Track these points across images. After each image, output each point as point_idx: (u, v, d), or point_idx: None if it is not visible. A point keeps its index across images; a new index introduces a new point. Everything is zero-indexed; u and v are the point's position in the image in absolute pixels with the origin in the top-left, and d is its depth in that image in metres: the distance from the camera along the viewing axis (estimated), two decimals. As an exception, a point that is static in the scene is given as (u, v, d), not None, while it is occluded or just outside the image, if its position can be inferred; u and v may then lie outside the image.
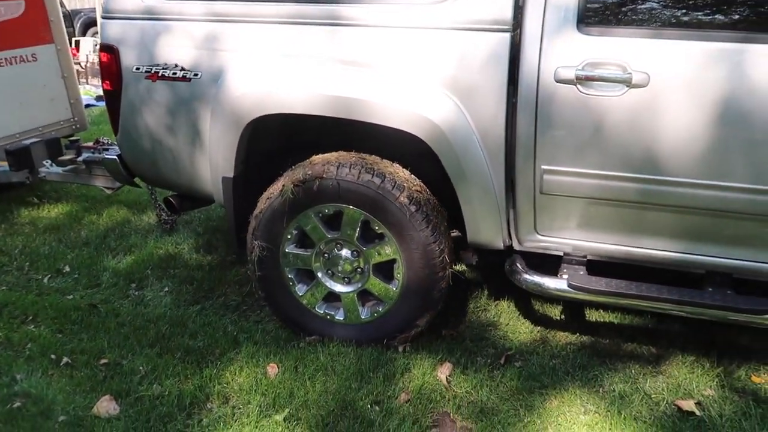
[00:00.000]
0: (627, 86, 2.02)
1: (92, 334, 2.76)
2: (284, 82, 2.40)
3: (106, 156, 3.38)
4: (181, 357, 2.56)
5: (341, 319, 2.64)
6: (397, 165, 2.45)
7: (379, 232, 2.43)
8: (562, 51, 2.08)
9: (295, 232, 2.54)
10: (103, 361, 2.55)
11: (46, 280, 3.32)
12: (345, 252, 2.53)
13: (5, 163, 4.25)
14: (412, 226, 2.35)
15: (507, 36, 2.13)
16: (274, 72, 2.42)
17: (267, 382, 2.38)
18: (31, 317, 2.91)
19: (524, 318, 2.86)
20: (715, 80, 1.96)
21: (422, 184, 2.45)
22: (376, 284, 2.53)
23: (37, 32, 4.81)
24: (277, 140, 2.76)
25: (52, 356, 2.58)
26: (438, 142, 2.24)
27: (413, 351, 2.57)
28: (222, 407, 2.28)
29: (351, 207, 2.40)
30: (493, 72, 2.15)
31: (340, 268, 2.56)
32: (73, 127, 5.02)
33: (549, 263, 2.43)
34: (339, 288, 2.59)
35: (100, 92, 9.09)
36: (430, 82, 2.24)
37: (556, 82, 2.08)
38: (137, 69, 2.70)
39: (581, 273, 2.34)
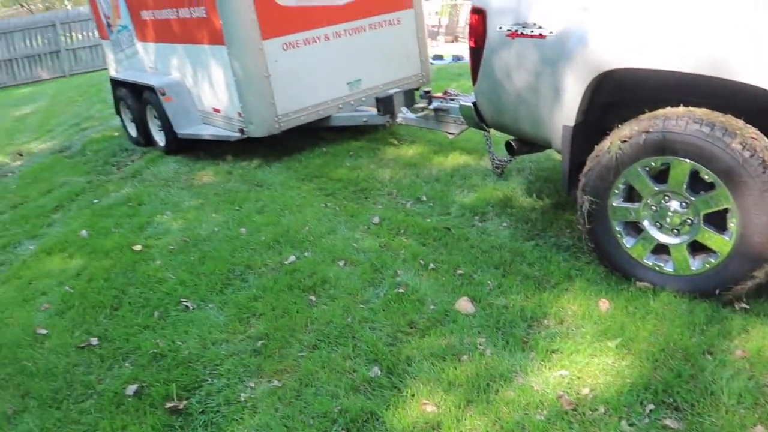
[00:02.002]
0: None
1: (448, 250, 3.40)
2: (644, 39, 2.53)
3: (462, 102, 4.01)
4: (521, 280, 3.00)
5: (671, 270, 2.70)
6: (730, 116, 2.40)
7: (710, 181, 2.42)
8: None
9: (622, 186, 2.71)
10: (459, 271, 3.15)
11: (409, 204, 4.13)
12: (673, 204, 2.59)
13: (372, 109, 5.29)
14: (747, 172, 2.30)
15: None
16: (631, 29, 2.57)
17: (599, 314, 2.66)
18: (402, 231, 3.70)
19: None
20: None
21: (758, 131, 2.36)
22: (707, 235, 2.51)
23: None
24: (619, 94, 2.89)
25: (421, 261, 3.29)
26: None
27: (752, 311, 2.54)
28: (558, 326, 2.65)
29: (678, 158, 2.45)
30: None
31: (668, 221, 2.62)
32: (421, 80, 5.92)
33: None
34: (668, 240, 2.66)
35: (434, 52, 10.21)
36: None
37: None
38: (500, 28, 3.15)
39: None
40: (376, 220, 3.87)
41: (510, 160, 4.18)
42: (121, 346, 2.91)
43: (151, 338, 2.92)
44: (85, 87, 12.17)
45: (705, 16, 2.42)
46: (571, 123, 2.88)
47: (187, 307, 3.17)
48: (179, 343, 2.86)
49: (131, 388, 2.58)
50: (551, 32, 2.91)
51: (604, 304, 2.73)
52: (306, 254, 3.52)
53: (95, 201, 5.13)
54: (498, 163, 4.23)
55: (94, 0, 7.14)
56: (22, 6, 18.80)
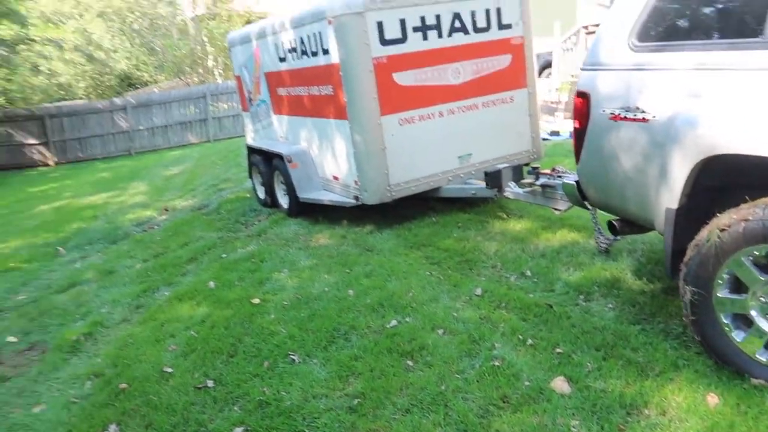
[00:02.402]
0: None
1: (549, 327, 3.38)
2: (752, 126, 2.51)
3: (566, 180, 4.07)
4: (623, 365, 2.92)
5: None
6: None
7: None
8: None
9: (726, 276, 2.60)
10: (558, 350, 3.12)
11: (512, 279, 4.16)
12: None
13: (482, 182, 5.45)
14: None
15: None
16: (739, 116, 2.57)
17: (706, 409, 2.52)
18: (503, 305, 3.74)
19: None
20: None
21: None
22: None
23: (516, 79, 5.97)
24: (724, 179, 2.84)
25: (520, 336, 3.30)
26: None
27: None
28: (659, 417, 2.54)
29: None
30: None
31: None
32: (532, 156, 6.03)
33: None
34: None
35: (551, 128, 10.26)
36: None
37: None
38: (603, 111, 3.24)
39: None
40: (479, 291, 3.94)
41: (615, 240, 4.11)
42: (233, 391, 3.18)
43: (259, 386, 3.16)
44: (225, 152, 13.51)
45: None
46: (674, 206, 2.85)
47: (293, 360, 3.40)
48: (283, 393, 3.07)
49: (238, 430, 2.80)
50: (654, 116, 2.95)
51: (712, 399, 2.58)
52: (407, 319, 3.66)
53: (224, 255, 5.66)
54: (604, 242, 4.17)
55: (239, 76, 8.07)
56: (181, 79, 21.48)
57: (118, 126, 18.29)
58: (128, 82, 24.68)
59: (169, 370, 3.49)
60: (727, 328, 2.67)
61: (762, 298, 2.55)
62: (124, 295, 5.00)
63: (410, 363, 3.18)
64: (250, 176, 7.81)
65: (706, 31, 2.99)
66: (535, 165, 5.20)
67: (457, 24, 5.49)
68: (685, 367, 2.83)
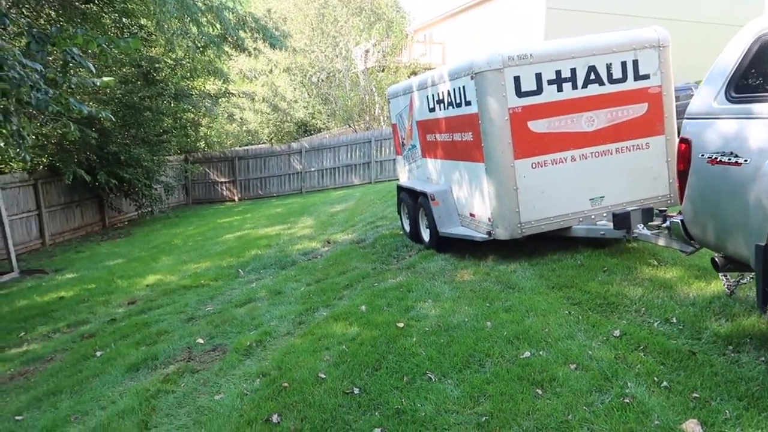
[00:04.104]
0: None
1: (688, 373, 3.31)
2: None
3: (673, 220, 4.28)
4: (765, 417, 2.80)
5: None
6: None
7: None
8: None
9: None
10: (694, 395, 3.07)
11: (656, 324, 4.09)
12: None
13: (609, 223, 5.65)
14: None
15: None
16: None
17: None
18: (642, 347, 3.72)
19: None
20: None
21: None
22: None
23: (653, 126, 6.06)
24: None
25: (655, 378, 3.28)
26: None
27: None
28: (801, 471, 2.43)
29: None
30: None
31: None
32: (668, 201, 5.94)
33: None
34: None
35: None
36: None
37: None
38: (702, 155, 3.53)
39: None
40: (617, 333, 3.95)
41: (741, 283, 4.06)
42: (375, 399, 3.56)
43: (398, 397, 3.51)
44: (384, 192, 14.42)
45: None
46: (763, 242, 3.04)
47: (430, 378, 3.70)
48: (419, 405, 3.38)
49: (377, 431, 3.16)
50: (746, 161, 3.19)
51: None
52: (541, 353, 3.80)
53: (375, 284, 6.17)
54: (729, 284, 4.12)
55: (395, 124, 8.89)
56: (349, 126, 23.35)
57: (293, 167, 20.35)
58: (304, 128, 27.34)
59: (323, 376, 3.98)
60: None
61: None
62: (289, 312, 5.70)
63: (539, 391, 3.32)
64: (399, 212, 8.64)
65: None
66: (663, 209, 5.34)
67: (592, 76, 5.82)
68: (841, 427, 2.65)
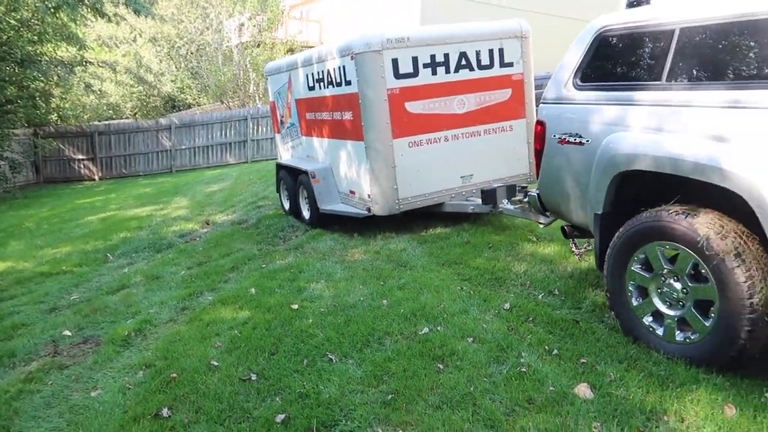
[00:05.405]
0: None
1: (574, 340, 3.55)
2: (644, 148, 3.27)
3: (530, 193, 4.69)
4: (644, 376, 3.07)
5: (660, 334, 3.28)
6: (722, 218, 2.97)
7: (705, 276, 2.95)
8: None
9: (642, 256, 3.30)
10: (582, 360, 3.28)
11: (540, 296, 4.33)
12: (677, 284, 3.16)
13: (477, 199, 6.15)
14: (731, 279, 2.81)
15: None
16: (640, 140, 3.31)
17: (723, 418, 2.66)
18: (531, 318, 3.92)
19: None
20: None
21: (747, 237, 2.87)
22: (693, 317, 3.08)
23: (516, 110, 6.59)
24: (638, 189, 3.51)
25: (546, 347, 3.47)
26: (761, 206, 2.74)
27: None
28: (678, 423, 2.68)
29: (682, 248, 3.03)
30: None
31: (668, 295, 3.21)
32: (528, 179, 6.57)
33: None
34: (664, 309, 3.26)
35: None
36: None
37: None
38: (554, 136, 3.95)
39: None
40: (507, 306, 4.13)
41: (588, 249, 4.51)
42: (275, 384, 3.41)
43: (299, 381, 3.39)
44: (263, 172, 13.96)
45: (681, 131, 3.22)
46: (600, 211, 3.59)
47: (331, 359, 3.62)
48: (321, 387, 3.29)
49: (280, 417, 3.03)
50: (588, 141, 3.64)
51: (730, 410, 2.72)
52: (439, 328, 3.86)
53: (263, 266, 5.95)
54: (578, 250, 4.56)
55: (274, 102, 8.67)
56: (222, 103, 22.27)
57: (162, 145, 19.05)
58: (172, 104, 25.66)
59: (216, 363, 3.75)
60: (629, 294, 3.43)
61: (663, 279, 3.24)
62: (170, 298, 5.31)
63: (441, 366, 3.38)
64: (278, 190, 8.57)
65: (622, 75, 3.72)
66: (524, 185, 5.89)
67: (463, 62, 6.19)
68: (705, 381, 2.97)
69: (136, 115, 24.47)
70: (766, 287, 2.80)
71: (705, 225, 2.94)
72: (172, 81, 24.23)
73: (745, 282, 2.79)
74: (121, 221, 9.93)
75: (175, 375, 3.64)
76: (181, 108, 25.26)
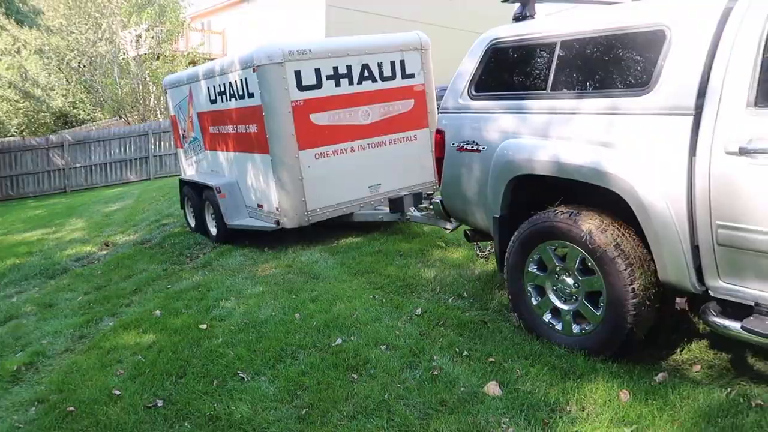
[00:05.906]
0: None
1: (483, 340, 3.66)
2: (534, 153, 3.43)
3: (434, 199, 4.86)
4: (548, 370, 3.21)
5: (559, 329, 3.46)
6: (601, 214, 3.17)
7: (591, 268, 3.18)
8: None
9: (537, 256, 3.49)
10: (490, 359, 3.39)
11: (450, 300, 4.45)
12: (569, 279, 3.36)
13: (386, 208, 6.30)
14: (613, 268, 3.03)
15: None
16: (530, 146, 3.48)
17: (618, 403, 2.83)
18: (442, 322, 4.00)
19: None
20: None
21: (624, 230, 3.09)
22: (585, 308, 3.28)
23: (419, 120, 6.80)
24: (532, 192, 3.65)
25: (456, 349, 3.56)
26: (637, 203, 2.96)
27: (769, 412, 2.66)
28: (579, 412, 2.83)
29: (570, 245, 3.25)
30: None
31: (562, 291, 3.42)
32: (434, 186, 6.85)
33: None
34: (560, 305, 3.45)
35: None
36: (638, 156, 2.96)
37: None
38: (453, 144, 4.08)
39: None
40: (419, 311, 4.19)
41: (490, 252, 4.70)
42: (183, 408, 3.26)
43: (209, 403, 3.27)
44: (167, 189, 13.39)
45: (566, 137, 3.40)
46: (498, 214, 3.75)
47: (242, 378, 3.52)
48: (233, 408, 3.19)
49: (189, 443, 2.90)
50: (483, 148, 3.80)
51: (624, 395, 2.90)
52: (352, 338, 3.86)
53: (169, 286, 5.69)
54: (481, 253, 4.81)
55: (174, 116, 8.38)
56: (121, 117, 21.18)
57: (53, 163, 17.79)
58: (64, 120, 24.08)
59: (118, 392, 3.53)
60: (529, 294, 3.59)
61: (556, 276, 3.44)
62: (65, 327, 4.96)
63: (355, 376, 3.37)
64: (183, 207, 8.29)
65: (513, 85, 3.91)
66: (430, 192, 6.14)
67: (366, 73, 6.31)
68: (602, 370, 3.15)
69: (23, 133, 22.74)
70: (644, 273, 3.04)
71: (587, 222, 3.15)
72: (63, 95, 22.78)
73: (626, 269, 3.01)
74: (7, 247, 9.17)
75: (71, 408, 3.39)
76: (75, 124, 23.75)
